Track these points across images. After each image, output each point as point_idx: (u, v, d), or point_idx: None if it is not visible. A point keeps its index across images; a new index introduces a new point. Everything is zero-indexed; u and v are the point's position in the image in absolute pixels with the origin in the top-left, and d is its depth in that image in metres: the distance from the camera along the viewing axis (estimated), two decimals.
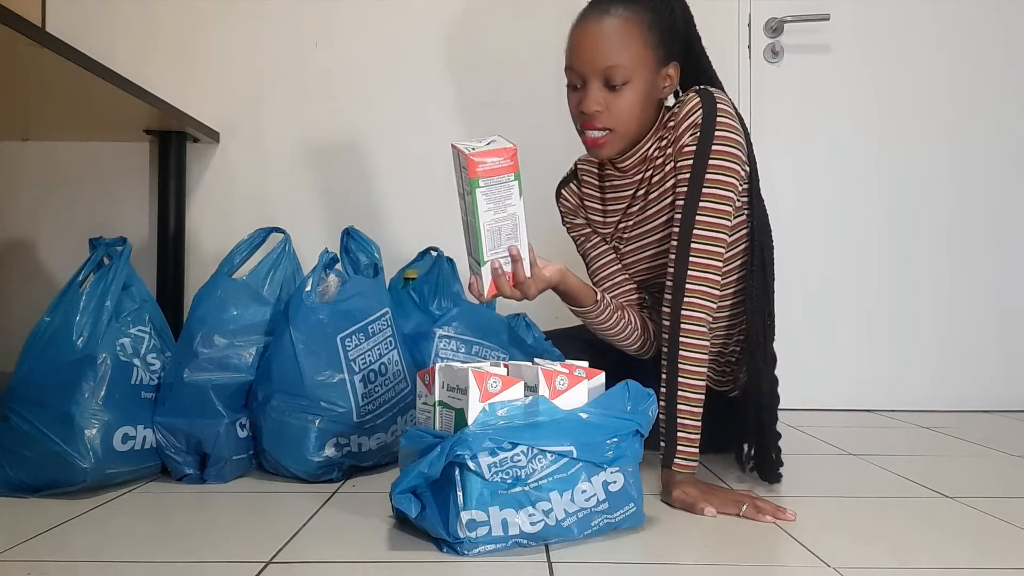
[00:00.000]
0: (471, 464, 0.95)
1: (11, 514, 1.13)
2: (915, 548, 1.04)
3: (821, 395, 2.21)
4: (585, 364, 1.13)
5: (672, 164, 1.31)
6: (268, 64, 2.20)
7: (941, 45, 2.22)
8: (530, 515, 0.98)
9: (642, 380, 1.12)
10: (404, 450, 1.08)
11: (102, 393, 1.24)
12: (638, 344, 1.46)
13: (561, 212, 1.55)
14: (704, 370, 1.23)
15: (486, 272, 1.18)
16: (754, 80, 2.21)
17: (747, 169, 1.31)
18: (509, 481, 0.97)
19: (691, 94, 1.30)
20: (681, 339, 1.23)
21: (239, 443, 1.35)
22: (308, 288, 1.38)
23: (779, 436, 1.33)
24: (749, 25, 2.22)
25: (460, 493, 0.96)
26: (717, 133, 1.26)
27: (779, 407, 1.35)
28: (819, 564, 0.95)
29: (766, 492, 1.28)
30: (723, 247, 1.26)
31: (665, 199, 1.34)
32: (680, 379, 1.22)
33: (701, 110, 1.27)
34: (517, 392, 1.04)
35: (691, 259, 1.24)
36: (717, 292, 1.26)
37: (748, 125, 1.36)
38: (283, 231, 1.54)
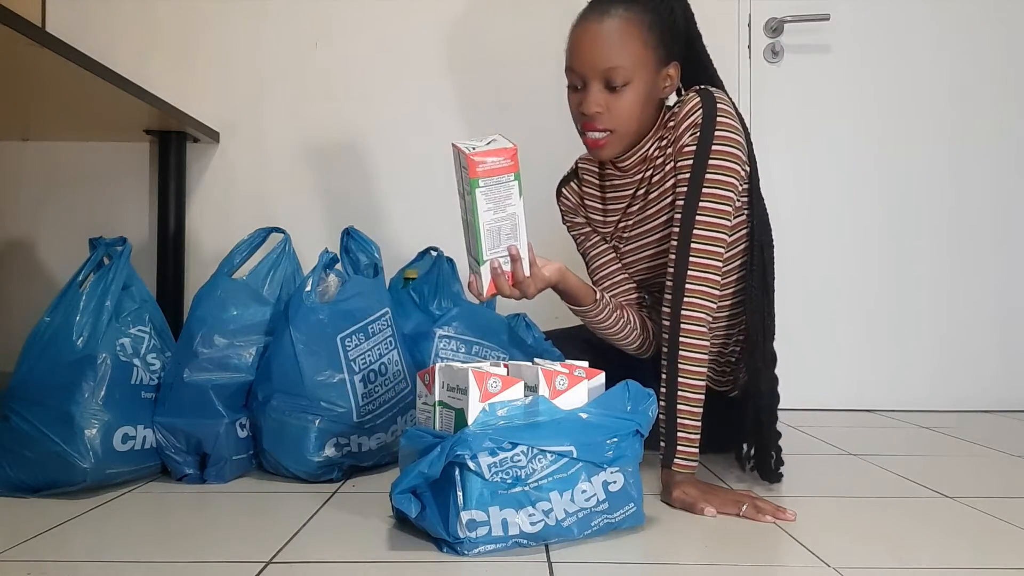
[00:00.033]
0: (471, 464, 0.95)
1: (11, 514, 1.13)
2: (915, 548, 1.04)
3: (821, 395, 2.21)
4: (585, 364, 1.13)
5: (672, 164, 1.31)
6: (268, 64, 2.20)
7: (941, 45, 2.22)
8: (530, 515, 0.98)
9: (642, 380, 1.12)
10: (404, 450, 1.08)
11: (102, 393, 1.24)
12: (637, 343, 1.46)
13: (561, 211, 1.55)
14: (704, 370, 1.23)
15: (485, 271, 1.18)
16: (754, 80, 2.21)
17: (747, 169, 1.31)
18: (509, 481, 0.97)
19: (691, 94, 1.30)
20: (681, 339, 1.23)
21: (239, 443, 1.35)
22: (308, 288, 1.38)
23: (779, 435, 1.33)
24: (749, 25, 2.22)
25: (460, 493, 0.96)
26: (717, 133, 1.26)
27: (779, 407, 1.35)
28: (819, 564, 0.95)
29: (766, 492, 1.28)
30: (723, 247, 1.26)
31: (665, 199, 1.34)
32: (680, 379, 1.22)
33: (701, 110, 1.27)
34: (517, 392, 1.04)
35: (691, 259, 1.24)
36: (717, 292, 1.26)
37: (748, 125, 1.36)
38: (283, 231, 1.54)
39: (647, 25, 1.27)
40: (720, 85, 1.35)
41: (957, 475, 1.45)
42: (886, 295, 2.23)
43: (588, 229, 1.51)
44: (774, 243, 1.36)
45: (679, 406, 1.21)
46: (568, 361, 1.15)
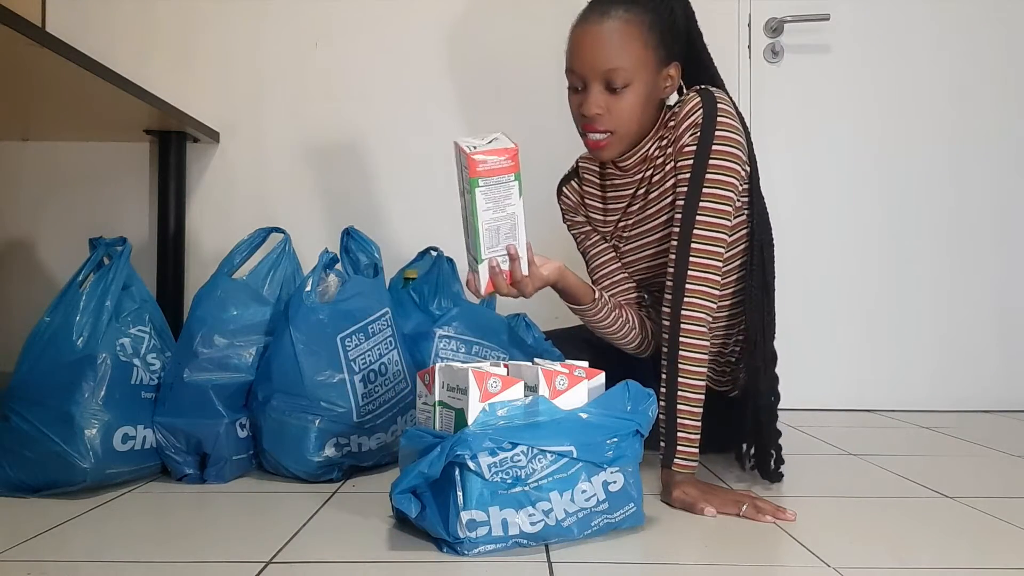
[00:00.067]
0: (471, 464, 0.95)
1: (11, 514, 1.13)
2: (915, 548, 1.04)
3: (821, 395, 2.21)
4: (585, 364, 1.13)
5: (672, 164, 1.31)
6: (268, 64, 2.20)
7: (941, 45, 2.22)
8: (530, 515, 0.98)
9: (642, 380, 1.12)
10: (404, 450, 1.08)
11: (102, 393, 1.24)
12: (636, 343, 1.46)
13: (562, 210, 1.55)
14: (704, 370, 1.23)
15: (483, 270, 1.19)
16: (754, 80, 2.21)
17: (747, 169, 1.31)
18: (509, 481, 0.97)
19: (691, 94, 1.30)
20: (681, 339, 1.23)
21: (239, 443, 1.35)
22: (308, 288, 1.38)
23: (779, 435, 1.33)
24: (749, 25, 2.22)
25: (460, 493, 0.96)
26: (717, 133, 1.26)
27: (779, 407, 1.35)
28: (819, 564, 0.95)
29: (766, 492, 1.28)
30: (723, 247, 1.26)
31: (665, 199, 1.34)
32: (680, 379, 1.22)
33: (701, 110, 1.27)
34: (517, 392, 1.04)
35: (691, 259, 1.24)
36: (717, 292, 1.26)
37: (748, 125, 1.36)
38: (283, 231, 1.54)
39: (647, 26, 1.27)
40: (721, 84, 1.35)
41: (957, 475, 1.45)
42: (886, 295, 2.23)
43: (588, 228, 1.51)
44: (774, 242, 1.36)
45: (679, 406, 1.21)
46: (568, 361, 1.15)
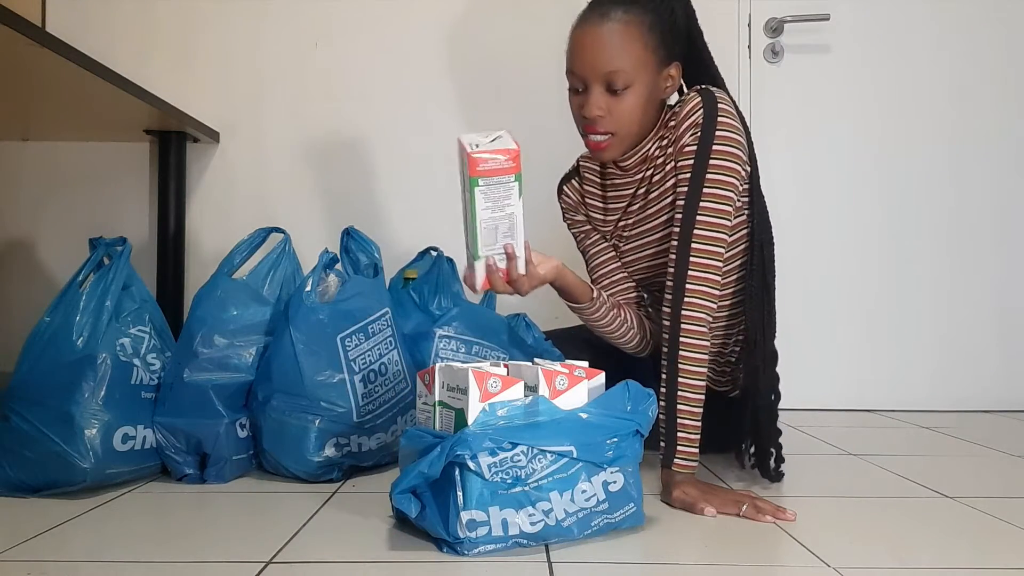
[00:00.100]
0: (471, 464, 0.95)
1: (11, 514, 1.13)
2: (915, 548, 1.04)
3: (821, 395, 2.21)
4: (585, 364, 1.13)
5: (673, 164, 1.31)
6: (268, 64, 2.20)
7: (941, 45, 2.22)
8: (530, 515, 0.98)
9: (642, 380, 1.12)
10: (404, 450, 1.08)
11: (102, 393, 1.24)
12: (634, 342, 1.47)
13: (562, 208, 1.55)
14: (704, 370, 1.23)
15: (480, 267, 1.19)
16: (754, 80, 2.21)
17: (748, 169, 1.31)
18: (509, 481, 0.97)
19: (692, 93, 1.30)
20: (681, 339, 1.23)
21: (239, 443, 1.35)
22: (308, 288, 1.38)
23: (779, 433, 1.33)
24: (749, 25, 2.22)
25: (460, 493, 0.96)
26: (718, 133, 1.26)
27: (779, 406, 1.35)
28: (819, 564, 0.95)
29: (766, 492, 1.28)
30: (723, 247, 1.26)
31: (665, 198, 1.34)
32: (680, 379, 1.22)
33: (702, 110, 1.27)
34: (517, 392, 1.04)
35: (691, 259, 1.24)
36: (717, 292, 1.26)
37: (748, 125, 1.35)
38: (283, 231, 1.54)
39: (647, 27, 1.27)
40: (722, 83, 1.35)
41: (957, 475, 1.45)
42: (886, 295, 2.23)
43: (588, 227, 1.51)
44: (774, 242, 1.36)
45: (679, 406, 1.21)
46: (568, 361, 1.15)
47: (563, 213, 1.55)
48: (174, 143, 2.09)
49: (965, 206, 2.23)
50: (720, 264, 1.26)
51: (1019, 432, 1.92)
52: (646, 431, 1.07)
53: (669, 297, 1.26)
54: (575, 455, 1.01)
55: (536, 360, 1.15)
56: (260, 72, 2.20)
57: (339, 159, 2.20)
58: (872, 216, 2.23)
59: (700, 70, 1.37)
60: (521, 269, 1.21)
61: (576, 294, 1.36)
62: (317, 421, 1.32)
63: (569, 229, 1.55)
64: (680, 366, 1.22)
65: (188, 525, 1.12)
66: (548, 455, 1.00)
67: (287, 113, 2.20)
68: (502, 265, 1.20)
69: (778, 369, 1.35)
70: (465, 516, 0.96)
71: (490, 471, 0.96)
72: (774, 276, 1.35)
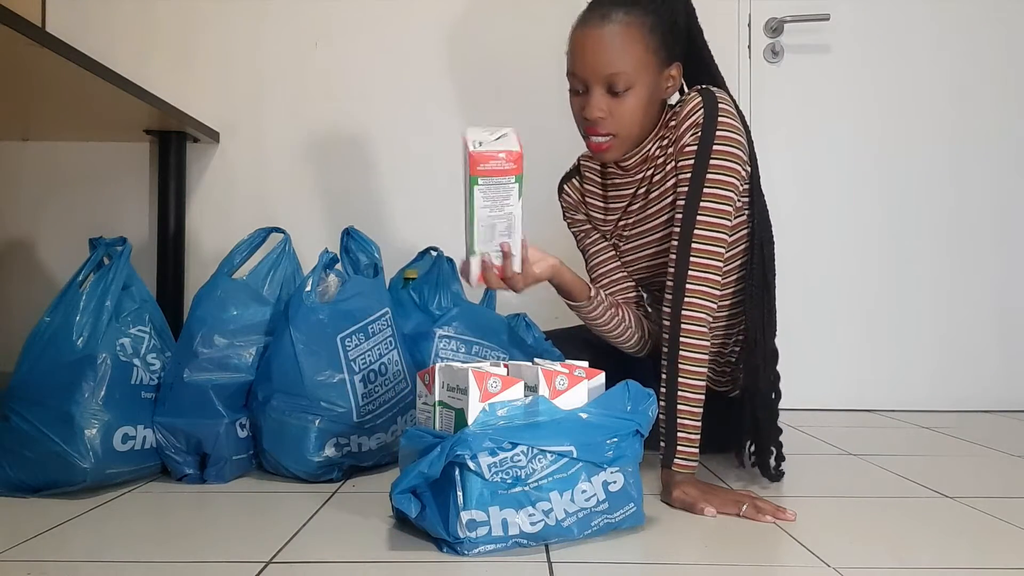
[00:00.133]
0: (471, 464, 0.95)
1: (11, 514, 1.13)
2: (915, 548, 1.04)
3: (821, 395, 2.21)
4: (585, 364, 1.13)
5: (673, 163, 1.31)
6: (268, 64, 2.20)
7: (941, 45, 2.22)
8: (530, 515, 0.98)
9: (642, 380, 1.12)
10: (404, 450, 1.08)
11: (102, 393, 1.24)
12: (632, 341, 1.47)
13: (563, 207, 1.55)
14: (704, 370, 1.23)
15: (475, 262, 1.19)
16: (754, 80, 2.21)
17: (748, 169, 1.31)
18: (509, 481, 0.97)
19: (692, 93, 1.30)
20: (681, 339, 1.23)
21: (239, 443, 1.35)
22: (308, 288, 1.38)
23: (780, 432, 1.33)
24: (749, 25, 2.22)
25: (460, 493, 0.96)
26: (718, 133, 1.26)
27: (780, 406, 1.35)
28: (819, 564, 0.95)
29: (766, 492, 1.28)
30: (723, 247, 1.26)
31: (666, 198, 1.34)
32: (680, 379, 1.22)
33: (702, 110, 1.27)
34: (517, 392, 1.04)
35: (692, 259, 1.24)
36: (717, 292, 1.26)
37: (748, 124, 1.35)
38: (283, 231, 1.54)
39: (648, 28, 1.26)
40: (722, 82, 1.35)
41: (957, 475, 1.45)
42: (886, 295, 2.23)
43: (588, 226, 1.51)
44: (774, 241, 1.36)
45: (679, 406, 1.21)
46: (568, 361, 1.15)
47: (563, 212, 1.55)
48: (174, 143, 2.09)
49: (965, 206, 2.23)
50: (720, 264, 1.26)
51: (1019, 432, 1.92)
52: (646, 431, 1.07)
53: (669, 297, 1.26)
54: (575, 455, 1.01)
55: (536, 360, 1.15)
56: (260, 72, 2.20)
57: (339, 159, 2.21)
58: (872, 216, 2.23)
59: (700, 69, 1.37)
60: (516, 267, 1.21)
61: (574, 292, 1.37)
62: (317, 421, 1.32)
63: (569, 228, 1.55)
64: (680, 366, 1.22)
65: (188, 525, 1.12)
66: (548, 455, 1.00)
67: (287, 113, 2.20)
68: (497, 262, 1.20)
69: (778, 368, 1.35)
70: (465, 516, 0.96)
71: (490, 471, 0.96)
72: (774, 275, 1.35)
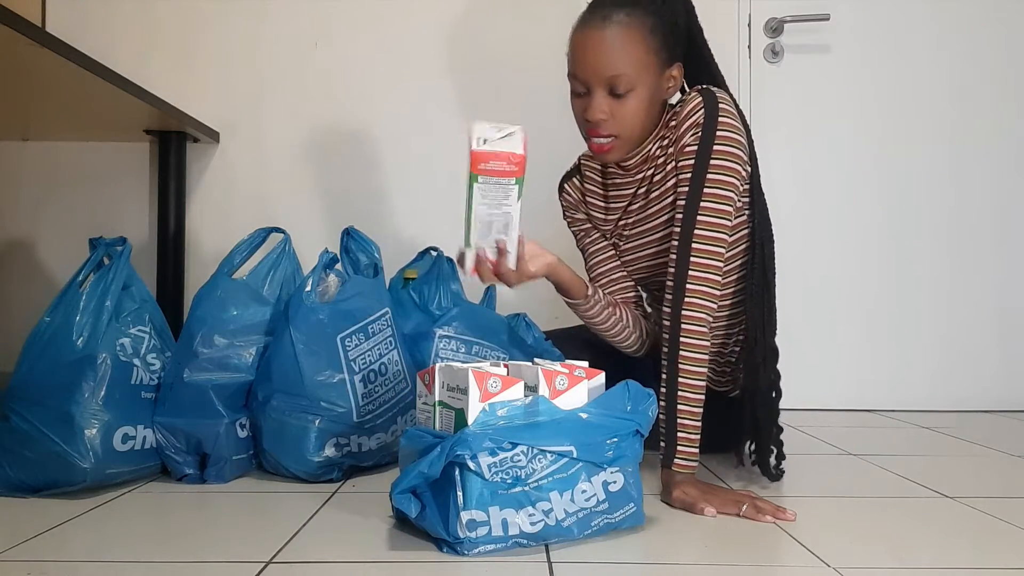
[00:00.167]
0: (471, 464, 0.95)
1: (11, 514, 1.13)
2: (915, 548, 1.04)
3: (821, 395, 2.21)
4: (585, 364, 1.13)
5: (674, 163, 1.31)
6: (268, 64, 2.20)
7: (941, 45, 2.22)
8: (530, 515, 0.98)
9: (642, 380, 1.12)
10: (404, 450, 1.08)
11: (102, 393, 1.24)
12: (629, 341, 1.47)
13: (563, 206, 1.55)
14: (704, 370, 1.23)
15: (470, 255, 1.20)
16: (754, 80, 2.21)
17: (748, 169, 1.31)
18: (509, 481, 0.97)
19: (693, 93, 1.30)
20: (681, 339, 1.23)
21: (239, 443, 1.35)
22: (308, 288, 1.38)
23: (780, 431, 1.33)
24: (749, 25, 2.22)
25: (460, 493, 0.96)
26: (719, 133, 1.26)
27: (780, 405, 1.35)
28: (819, 564, 0.95)
29: (766, 492, 1.28)
30: (724, 247, 1.26)
31: (666, 198, 1.34)
32: (680, 379, 1.22)
33: (703, 110, 1.27)
34: (517, 392, 1.04)
35: (692, 259, 1.24)
36: (717, 292, 1.26)
37: (748, 124, 1.35)
38: (283, 231, 1.54)
39: (649, 29, 1.26)
40: (722, 80, 1.35)
41: (957, 475, 1.45)
42: (886, 295, 2.23)
43: (588, 226, 1.51)
44: (774, 240, 1.36)
45: (679, 406, 1.21)
46: (568, 361, 1.15)
47: (563, 211, 1.55)
48: (174, 143, 2.09)
49: (965, 206, 2.23)
50: (720, 264, 1.26)
51: (1019, 432, 1.92)
52: (646, 431, 1.07)
53: (669, 297, 1.26)
54: (575, 455, 1.01)
55: (536, 360, 1.15)
56: (260, 72, 2.20)
57: (339, 159, 2.21)
58: (872, 216, 2.23)
59: (700, 68, 1.37)
60: (511, 264, 1.21)
61: (571, 290, 1.37)
62: (317, 421, 1.32)
63: (569, 227, 1.55)
64: (680, 366, 1.22)
65: (188, 525, 1.12)
66: (548, 455, 1.00)
67: (287, 113, 2.20)
68: (492, 257, 1.20)
69: (778, 367, 1.35)
70: (465, 516, 0.96)
71: (490, 471, 0.96)
72: (774, 274, 1.35)
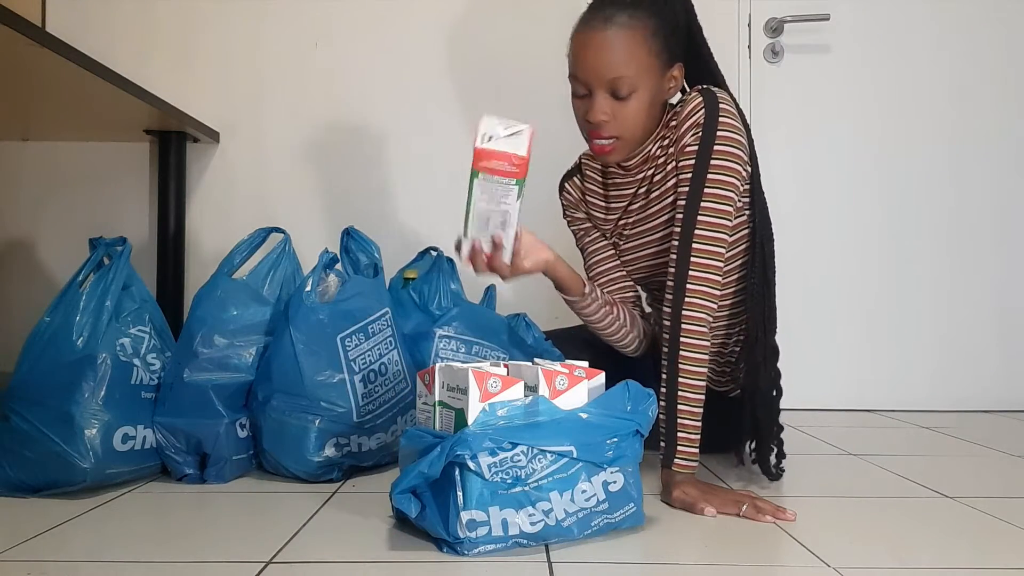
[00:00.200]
0: (471, 464, 0.95)
1: (11, 514, 1.13)
2: (915, 548, 1.04)
3: (821, 395, 2.21)
4: (585, 364, 1.13)
5: (674, 163, 1.31)
6: (268, 64, 2.20)
7: (941, 45, 2.22)
8: (530, 515, 0.98)
9: (642, 380, 1.12)
10: (404, 450, 1.08)
11: (102, 393, 1.24)
12: (626, 340, 1.47)
13: (563, 206, 1.55)
14: (704, 370, 1.23)
15: (466, 246, 1.20)
16: (754, 80, 2.21)
17: (748, 169, 1.31)
18: (509, 481, 0.97)
19: (693, 93, 1.30)
20: (682, 339, 1.23)
21: (239, 443, 1.35)
22: (308, 288, 1.38)
23: (781, 429, 1.33)
24: (749, 25, 2.22)
25: (460, 493, 0.96)
26: (719, 133, 1.26)
27: (780, 404, 1.35)
28: (819, 564, 0.95)
29: (766, 492, 1.28)
30: (724, 247, 1.26)
31: (667, 198, 1.34)
32: (680, 379, 1.22)
33: (703, 110, 1.27)
34: (517, 392, 1.04)
35: (692, 259, 1.24)
36: (718, 292, 1.26)
37: (748, 124, 1.35)
38: (283, 231, 1.54)
39: (651, 31, 1.26)
40: (721, 80, 1.35)
41: (957, 475, 1.45)
42: (886, 295, 2.23)
43: (588, 225, 1.51)
44: (775, 239, 1.36)
45: (679, 406, 1.21)
46: (568, 361, 1.15)
47: (564, 210, 1.55)
48: (174, 143, 2.09)
49: (965, 206, 2.23)
50: (721, 264, 1.26)
51: (1019, 432, 1.92)
52: (646, 431, 1.07)
53: (670, 297, 1.26)
54: (575, 455, 1.01)
55: (536, 360, 1.15)
56: (260, 72, 2.20)
57: (339, 159, 2.21)
58: (872, 216, 2.23)
59: (700, 68, 1.36)
60: (506, 259, 1.21)
61: (568, 286, 1.37)
62: (317, 421, 1.32)
63: (569, 226, 1.55)
64: (680, 366, 1.22)
65: (188, 525, 1.12)
66: (548, 455, 1.00)
67: (287, 113, 2.20)
68: (488, 250, 1.21)
69: (779, 367, 1.35)
70: (465, 516, 0.96)
71: (490, 471, 0.96)
72: (775, 273, 1.36)
